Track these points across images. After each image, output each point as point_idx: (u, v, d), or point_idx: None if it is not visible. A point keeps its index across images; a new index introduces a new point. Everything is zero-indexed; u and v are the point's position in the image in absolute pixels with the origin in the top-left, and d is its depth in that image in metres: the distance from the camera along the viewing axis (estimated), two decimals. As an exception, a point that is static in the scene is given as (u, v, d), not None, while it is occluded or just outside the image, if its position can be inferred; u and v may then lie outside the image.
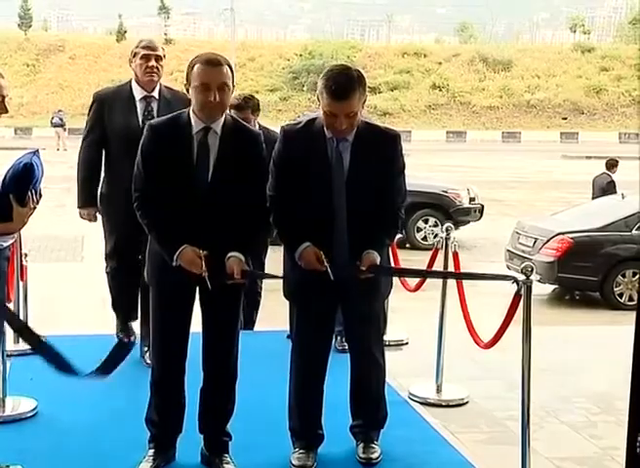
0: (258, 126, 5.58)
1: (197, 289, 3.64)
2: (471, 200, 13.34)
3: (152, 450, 3.80)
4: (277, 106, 52.24)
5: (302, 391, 3.95)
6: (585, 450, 4.43)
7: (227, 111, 3.70)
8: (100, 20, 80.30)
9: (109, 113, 5.02)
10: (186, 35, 77.29)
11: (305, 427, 3.95)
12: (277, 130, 4.96)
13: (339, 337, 5.31)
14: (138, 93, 5.03)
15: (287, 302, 5.23)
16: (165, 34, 59.79)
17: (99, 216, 5.35)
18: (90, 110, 5.17)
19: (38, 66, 56.67)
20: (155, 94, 5.05)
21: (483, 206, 13.50)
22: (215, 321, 3.73)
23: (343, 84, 3.51)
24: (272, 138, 5.43)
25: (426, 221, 12.89)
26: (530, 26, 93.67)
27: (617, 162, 13.10)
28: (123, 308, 5.42)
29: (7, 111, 3.46)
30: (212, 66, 3.46)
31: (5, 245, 3.45)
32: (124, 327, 5.43)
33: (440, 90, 55.73)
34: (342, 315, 3.99)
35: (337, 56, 53.81)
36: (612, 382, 5.18)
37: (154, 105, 5.02)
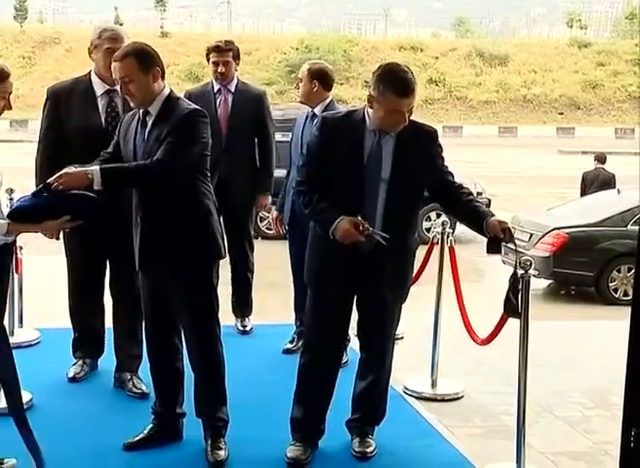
0: (237, 79, 5.57)
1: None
2: (478, 194, 13.34)
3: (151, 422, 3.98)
4: (274, 100, 52.04)
5: (308, 382, 3.93)
6: (580, 445, 4.45)
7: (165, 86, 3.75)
8: (96, 13, 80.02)
9: (67, 111, 4.44)
10: (183, 28, 77.03)
11: (306, 418, 3.94)
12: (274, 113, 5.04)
13: None
14: (99, 87, 4.46)
15: (286, 296, 5.23)
16: (161, 27, 59.58)
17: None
18: (44, 109, 4.57)
19: (34, 59, 56.47)
20: (118, 87, 4.41)
21: (490, 200, 13.52)
22: (182, 308, 3.84)
23: (408, 82, 3.60)
24: (252, 93, 5.56)
25: (439, 216, 12.72)
26: (526, 21, 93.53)
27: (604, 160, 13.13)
28: (86, 346, 4.90)
29: (11, 107, 3.47)
30: (114, 61, 3.70)
31: (10, 240, 3.44)
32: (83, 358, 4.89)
33: (436, 84, 55.64)
34: (358, 309, 3.96)
35: (333, 49, 53.67)
36: (606, 377, 5.19)
37: (118, 101, 4.44)
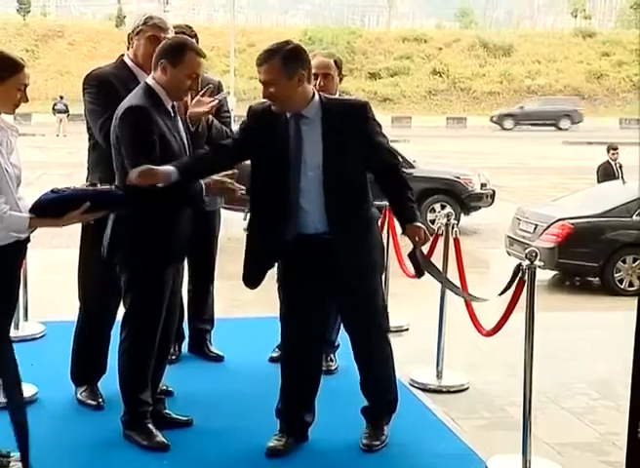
0: None
1: None
2: (483, 185, 13.30)
3: None
4: (277, 92, 52.03)
5: (286, 374, 3.93)
6: (586, 436, 4.44)
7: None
8: (98, 6, 79.85)
9: (116, 99, 3.88)
10: (186, 21, 76.98)
11: (286, 409, 3.94)
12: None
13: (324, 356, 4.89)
14: (141, 76, 4.12)
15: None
16: (164, 20, 59.57)
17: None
18: (96, 93, 4.15)
19: (37, 52, 56.47)
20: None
21: (494, 191, 13.48)
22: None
23: (265, 51, 3.71)
24: (209, 84, 4.76)
25: (443, 207, 12.69)
26: (530, 12, 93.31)
27: (615, 147, 13.04)
28: (86, 370, 4.46)
29: (27, 100, 3.45)
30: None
31: (23, 237, 3.44)
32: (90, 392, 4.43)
33: (440, 75, 55.55)
34: (336, 302, 3.94)
35: (337, 41, 53.58)
36: (612, 368, 5.18)
37: None
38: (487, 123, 42.01)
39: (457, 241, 5.11)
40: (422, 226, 3.78)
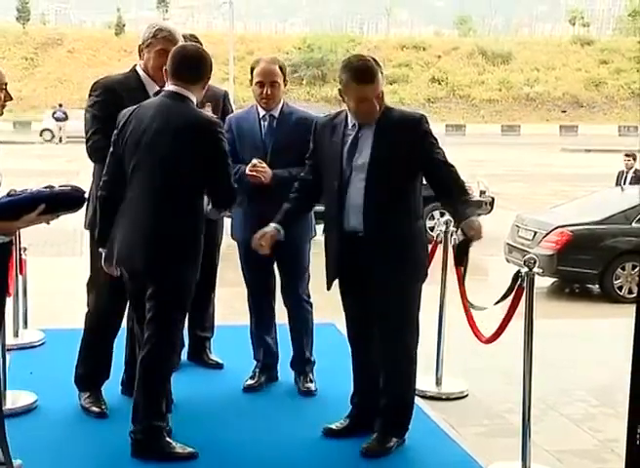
0: None
1: None
2: (482, 193, 13.30)
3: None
4: (276, 100, 52.12)
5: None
6: (585, 443, 4.44)
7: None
8: (98, 14, 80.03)
9: (122, 107, 3.90)
10: (185, 29, 77.00)
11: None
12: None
13: (301, 377, 4.77)
14: (150, 87, 4.17)
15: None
16: (163, 28, 59.69)
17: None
18: (96, 102, 4.19)
19: (37, 60, 56.59)
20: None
21: (493, 198, 13.49)
22: None
23: (367, 69, 3.73)
24: (214, 94, 4.81)
25: (442, 215, 12.60)
26: (529, 19, 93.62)
27: (627, 154, 12.97)
28: (89, 375, 4.42)
29: (12, 98, 3.50)
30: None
31: (7, 239, 3.45)
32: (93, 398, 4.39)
33: (439, 83, 55.71)
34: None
35: (335, 49, 53.75)
36: (611, 375, 5.18)
37: None
38: (486, 130, 42.09)
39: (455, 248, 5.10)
40: (477, 220, 3.76)
